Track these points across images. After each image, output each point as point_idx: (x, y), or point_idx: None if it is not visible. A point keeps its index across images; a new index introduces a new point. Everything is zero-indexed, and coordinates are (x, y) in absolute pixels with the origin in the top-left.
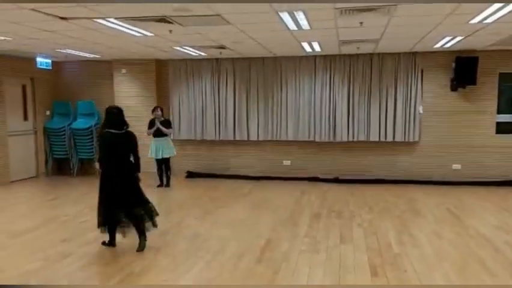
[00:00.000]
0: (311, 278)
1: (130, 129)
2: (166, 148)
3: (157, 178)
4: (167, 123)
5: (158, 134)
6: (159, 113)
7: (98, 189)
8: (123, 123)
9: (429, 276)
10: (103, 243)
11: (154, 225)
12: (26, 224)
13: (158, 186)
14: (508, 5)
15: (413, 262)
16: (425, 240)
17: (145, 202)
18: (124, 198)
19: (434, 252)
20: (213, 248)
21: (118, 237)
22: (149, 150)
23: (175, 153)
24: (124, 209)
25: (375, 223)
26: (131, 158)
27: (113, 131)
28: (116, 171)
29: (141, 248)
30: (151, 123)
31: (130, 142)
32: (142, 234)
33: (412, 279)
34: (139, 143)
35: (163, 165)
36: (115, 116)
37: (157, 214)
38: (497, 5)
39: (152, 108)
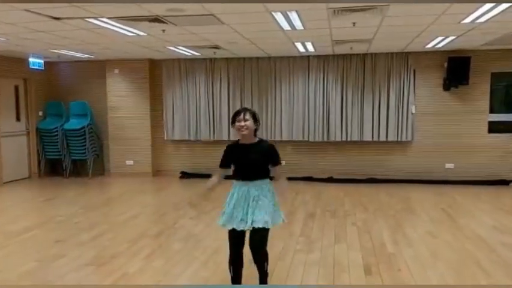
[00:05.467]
0: (305, 277)
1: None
2: (265, 207)
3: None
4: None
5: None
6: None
7: None
8: None
9: (424, 275)
10: None
11: None
12: (21, 225)
13: None
14: (499, 4)
15: (408, 261)
16: (419, 240)
17: None
18: None
19: (429, 251)
20: (208, 248)
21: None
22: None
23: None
24: None
25: (369, 222)
26: None
27: None
28: None
29: None
30: (232, 151)
31: None
32: None
33: (406, 278)
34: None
35: (252, 245)
36: None
37: None
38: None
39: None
